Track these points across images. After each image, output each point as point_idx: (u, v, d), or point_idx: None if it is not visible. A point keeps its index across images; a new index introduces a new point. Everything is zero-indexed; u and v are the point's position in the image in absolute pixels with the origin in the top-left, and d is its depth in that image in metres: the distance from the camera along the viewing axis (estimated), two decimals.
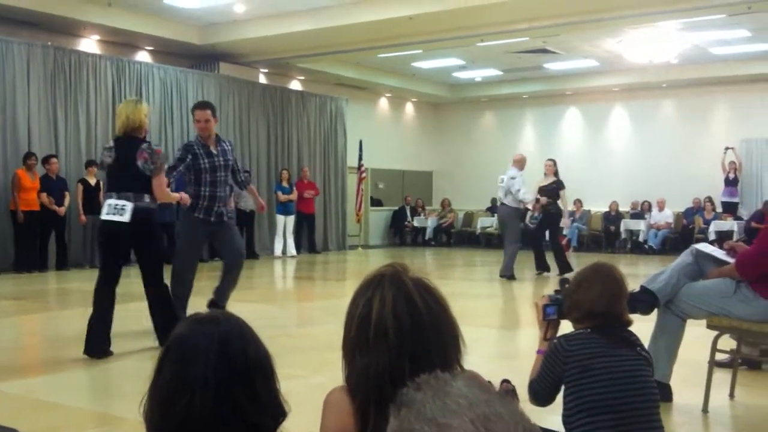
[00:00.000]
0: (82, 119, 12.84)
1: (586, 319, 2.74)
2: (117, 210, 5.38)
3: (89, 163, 12.53)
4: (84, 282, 10.78)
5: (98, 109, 13.08)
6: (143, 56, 14.57)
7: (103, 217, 5.49)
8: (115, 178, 5.53)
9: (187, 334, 1.53)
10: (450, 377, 0.92)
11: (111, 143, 5.76)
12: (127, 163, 5.43)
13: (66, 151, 12.61)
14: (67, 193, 12.13)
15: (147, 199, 5.50)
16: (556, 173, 11.82)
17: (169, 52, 14.80)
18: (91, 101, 12.99)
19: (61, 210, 11.97)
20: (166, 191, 5.62)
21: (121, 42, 14.01)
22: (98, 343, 5.51)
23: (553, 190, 11.74)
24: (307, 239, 16.46)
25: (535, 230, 12.62)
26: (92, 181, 12.47)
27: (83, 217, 12.30)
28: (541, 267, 11.90)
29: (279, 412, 1.54)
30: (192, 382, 1.46)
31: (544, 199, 11.57)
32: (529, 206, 11.97)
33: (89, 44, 13.70)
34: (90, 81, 12.97)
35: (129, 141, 5.51)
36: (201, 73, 15.07)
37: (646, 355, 2.66)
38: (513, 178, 11.35)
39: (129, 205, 5.39)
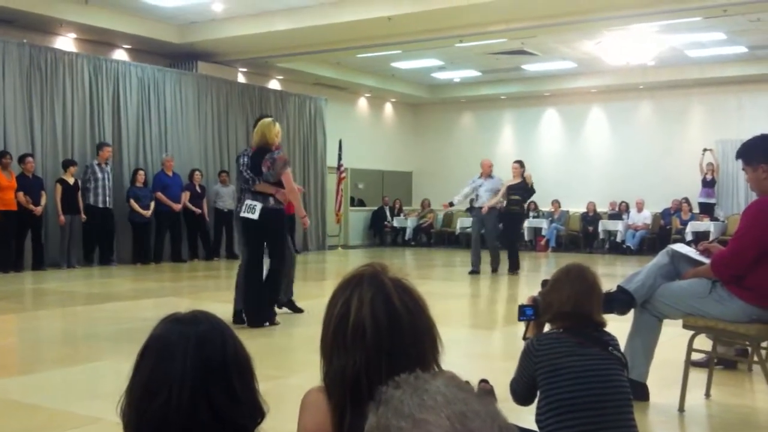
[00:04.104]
0: (58, 118, 12.73)
1: (557, 319, 2.77)
2: (249, 209, 6.72)
3: (68, 163, 12.43)
4: (61, 282, 10.71)
5: (75, 108, 12.97)
6: (120, 54, 14.47)
7: (241, 214, 6.78)
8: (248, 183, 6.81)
9: (166, 333, 1.53)
10: (429, 376, 0.93)
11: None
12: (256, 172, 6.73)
13: (42, 150, 12.49)
14: (43, 193, 12.02)
15: (272, 201, 6.72)
16: (521, 174, 12.48)
17: (146, 50, 14.70)
18: (68, 100, 12.87)
19: (38, 210, 11.85)
20: (291, 188, 6.76)
21: (98, 40, 13.89)
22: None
23: (519, 188, 12.42)
24: None
25: (503, 230, 12.75)
26: (70, 181, 12.37)
27: (62, 218, 12.20)
28: (513, 266, 12.25)
29: (257, 413, 1.54)
30: (169, 382, 1.45)
31: (485, 207, 12.03)
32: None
33: (65, 42, 13.58)
34: (66, 79, 12.85)
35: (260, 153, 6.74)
36: (179, 72, 14.99)
37: (619, 354, 2.67)
38: None
39: (258, 206, 6.67)
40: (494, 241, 12.39)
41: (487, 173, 12.33)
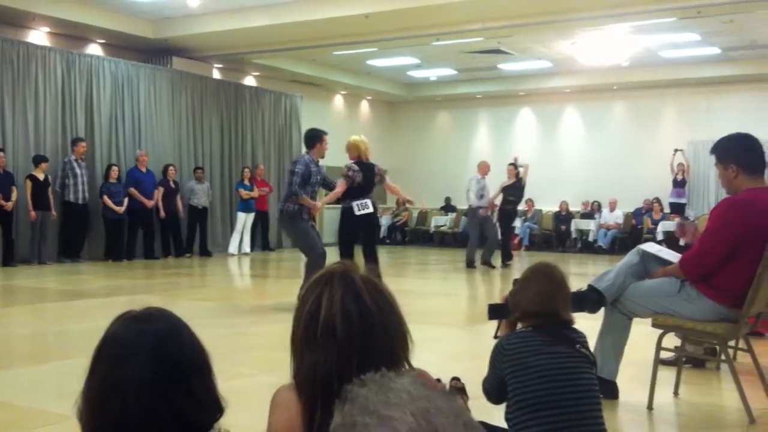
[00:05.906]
0: (30, 113, 12.59)
1: (526, 318, 2.78)
2: (365, 206, 8.69)
3: (39, 159, 12.29)
4: (31, 278, 10.60)
5: (47, 103, 12.83)
6: (94, 49, 14.33)
7: (359, 212, 8.72)
8: (365, 188, 8.82)
9: (122, 332, 1.50)
10: (395, 375, 0.94)
11: (355, 166, 8.96)
12: (372, 178, 8.94)
13: (13, 145, 12.35)
14: (14, 188, 11.88)
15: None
16: (516, 175, 13.69)
17: (121, 45, 14.58)
18: (40, 95, 12.74)
19: (9, 205, 11.72)
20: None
21: (72, 34, 13.75)
22: None
23: (513, 188, 13.62)
24: (261, 237, 16.38)
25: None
26: (41, 177, 12.24)
27: (33, 213, 12.07)
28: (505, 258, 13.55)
29: (215, 410, 1.53)
30: (125, 381, 1.43)
31: (488, 206, 13.26)
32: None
33: (38, 36, 13.43)
34: (39, 74, 12.72)
35: (369, 164, 8.95)
36: (153, 67, 14.88)
37: (587, 352, 2.69)
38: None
39: (370, 203, 8.72)
40: (495, 239, 13.39)
41: (485, 173, 13.36)
